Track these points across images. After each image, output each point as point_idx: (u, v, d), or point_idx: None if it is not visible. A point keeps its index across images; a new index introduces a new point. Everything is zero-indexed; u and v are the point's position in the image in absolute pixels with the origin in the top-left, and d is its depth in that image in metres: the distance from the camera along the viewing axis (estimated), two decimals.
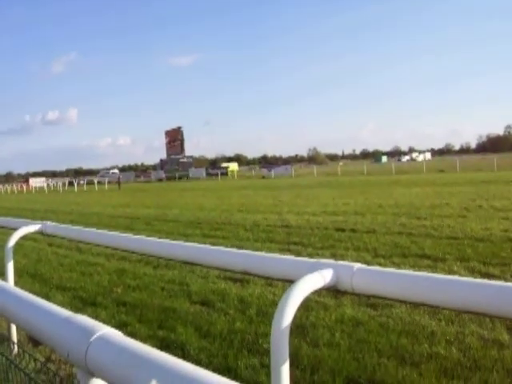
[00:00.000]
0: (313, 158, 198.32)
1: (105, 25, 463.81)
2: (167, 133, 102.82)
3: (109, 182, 73.37)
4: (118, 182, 66.17)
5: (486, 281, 2.10)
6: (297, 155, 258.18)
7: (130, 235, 4.28)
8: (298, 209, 18.90)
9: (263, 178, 69.64)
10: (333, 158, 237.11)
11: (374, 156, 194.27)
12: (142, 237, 4.41)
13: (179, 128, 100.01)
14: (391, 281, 2.13)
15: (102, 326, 1.50)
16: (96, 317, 5.37)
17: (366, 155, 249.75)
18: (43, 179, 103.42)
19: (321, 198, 24.28)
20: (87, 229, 4.95)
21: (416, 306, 5.63)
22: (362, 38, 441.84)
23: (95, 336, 1.44)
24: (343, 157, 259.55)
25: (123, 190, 55.36)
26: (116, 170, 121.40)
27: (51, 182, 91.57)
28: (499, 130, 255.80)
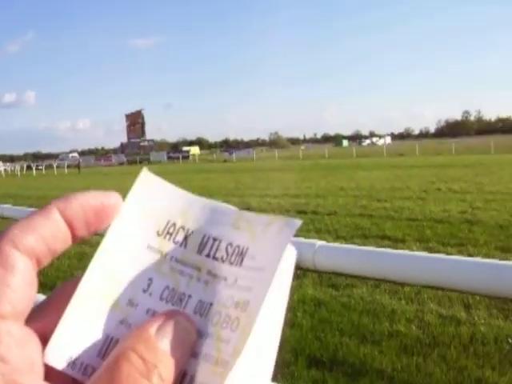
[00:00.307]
0: (274, 142, 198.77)
1: (62, 4, 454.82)
2: (128, 116, 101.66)
3: (68, 166, 72.16)
4: (78, 166, 65.27)
5: (445, 256, 2.13)
6: (258, 139, 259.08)
7: None
8: (259, 192, 18.91)
9: (225, 161, 69.53)
10: (294, 141, 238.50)
11: (335, 140, 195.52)
12: None
13: (140, 111, 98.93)
14: (353, 257, 2.14)
15: None
16: None
17: (327, 139, 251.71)
18: (0, 163, 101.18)
19: (282, 181, 24.33)
20: None
21: (378, 281, 5.72)
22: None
23: None
24: (305, 140, 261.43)
25: (83, 173, 54.58)
26: (75, 154, 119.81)
27: (9, 166, 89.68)
28: (457, 115, 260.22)
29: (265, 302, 0.36)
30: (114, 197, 0.39)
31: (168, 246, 0.39)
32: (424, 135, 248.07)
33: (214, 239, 0.39)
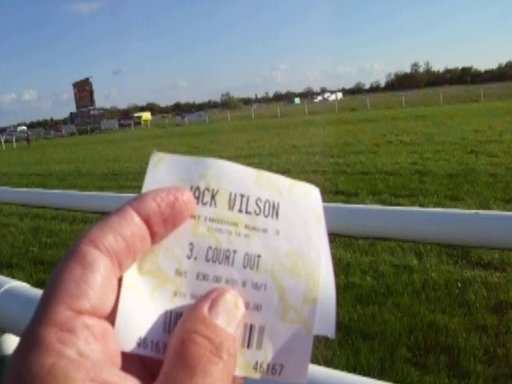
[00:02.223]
0: (226, 103, 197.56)
1: None
2: (75, 85, 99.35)
3: (17, 140, 70.14)
4: (27, 139, 63.65)
5: (395, 207, 2.20)
6: (210, 101, 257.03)
7: (41, 189, 4.16)
8: (212, 154, 18.77)
9: (177, 125, 68.84)
10: (246, 101, 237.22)
11: (287, 98, 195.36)
12: (55, 190, 4.29)
13: (87, 79, 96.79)
14: None
15: (7, 279, 1.46)
16: (13, 278, 5.20)
17: (279, 97, 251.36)
18: None
19: (235, 142, 24.29)
20: None
21: (332, 236, 5.80)
22: None
23: (1, 291, 1.40)
24: (257, 100, 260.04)
25: (33, 147, 53.27)
26: (24, 127, 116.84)
27: None
28: (406, 68, 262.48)
29: (323, 253, 0.39)
30: (187, 192, 0.38)
31: (198, 209, 0.38)
32: (375, 89, 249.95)
33: (242, 195, 0.39)
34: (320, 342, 3.99)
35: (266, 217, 0.39)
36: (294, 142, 19.99)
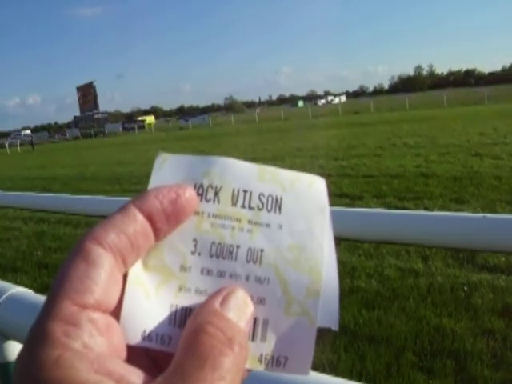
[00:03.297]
0: (230, 107, 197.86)
1: None
2: (79, 88, 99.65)
3: (21, 144, 70.18)
4: (31, 144, 63.79)
5: (401, 211, 2.18)
6: (214, 104, 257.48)
7: (46, 194, 4.15)
8: None
9: (181, 129, 68.99)
10: (250, 105, 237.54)
11: (291, 101, 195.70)
12: (59, 194, 4.29)
13: (91, 83, 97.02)
14: None
15: (10, 286, 1.45)
16: (17, 282, 5.19)
17: (282, 100, 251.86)
18: None
19: (239, 145, 24.28)
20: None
21: (337, 240, 5.78)
22: None
23: (4, 297, 1.39)
24: (260, 103, 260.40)
25: (37, 151, 53.39)
26: (28, 131, 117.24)
27: None
28: (410, 71, 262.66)
29: (326, 245, 0.40)
30: (189, 188, 0.39)
31: (202, 206, 0.39)
32: (378, 92, 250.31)
33: (245, 191, 0.40)
34: (325, 346, 3.97)
35: (268, 211, 0.40)
36: (298, 146, 19.96)
